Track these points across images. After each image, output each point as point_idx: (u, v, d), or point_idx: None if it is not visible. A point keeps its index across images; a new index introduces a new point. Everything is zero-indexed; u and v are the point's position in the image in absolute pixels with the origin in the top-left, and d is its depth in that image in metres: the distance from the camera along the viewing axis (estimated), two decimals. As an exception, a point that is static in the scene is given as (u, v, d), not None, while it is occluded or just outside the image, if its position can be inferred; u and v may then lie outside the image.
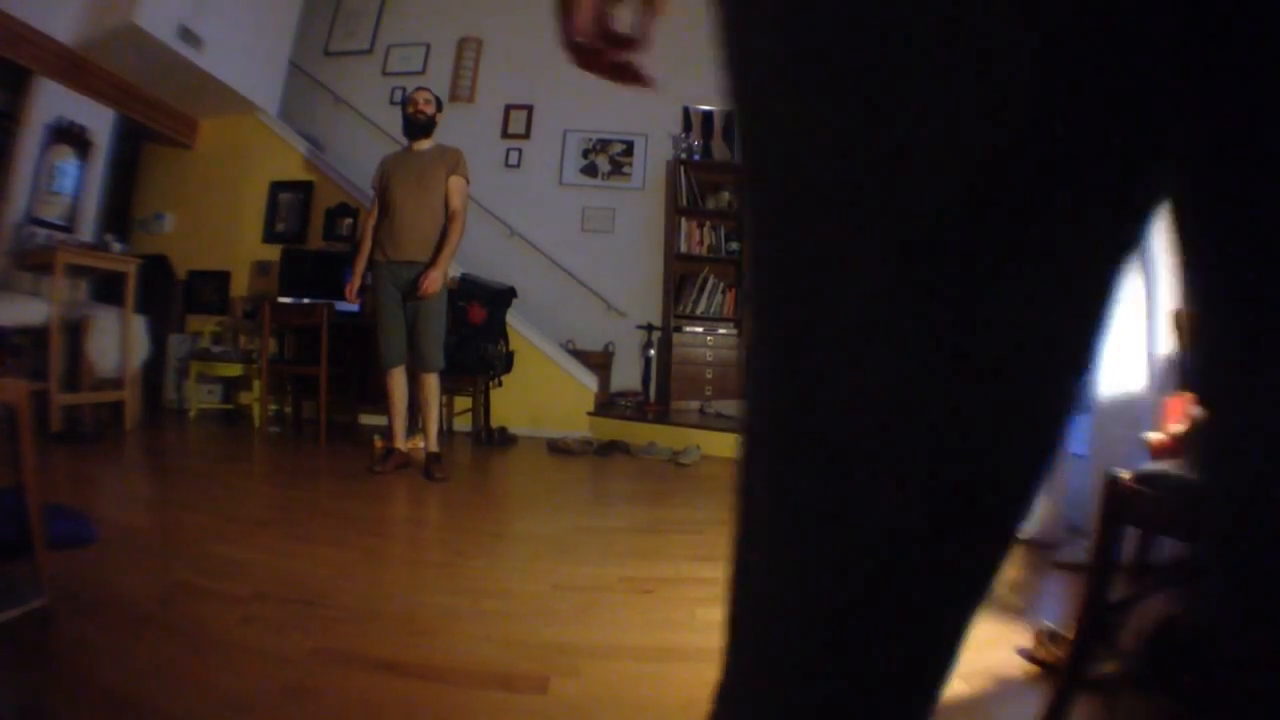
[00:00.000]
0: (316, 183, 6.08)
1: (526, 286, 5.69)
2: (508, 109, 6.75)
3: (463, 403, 5.47)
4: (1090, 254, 0.35)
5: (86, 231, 4.81)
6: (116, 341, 4.35)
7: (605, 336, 6.49)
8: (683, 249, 6.45)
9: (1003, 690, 1.53)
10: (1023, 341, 0.35)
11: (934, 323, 0.34)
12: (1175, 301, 2.31)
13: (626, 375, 6.47)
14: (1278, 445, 0.33)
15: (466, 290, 5.01)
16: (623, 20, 0.66)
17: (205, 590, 1.85)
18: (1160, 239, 2.05)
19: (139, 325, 4.59)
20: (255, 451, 4.41)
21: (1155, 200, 0.36)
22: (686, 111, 6.74)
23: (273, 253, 5.73)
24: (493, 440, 5.00)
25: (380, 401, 5.41)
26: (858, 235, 0.34)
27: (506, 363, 5.24)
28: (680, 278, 6.50)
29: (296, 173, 6.09)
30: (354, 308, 5.47)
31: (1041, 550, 2.68)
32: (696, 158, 6.60)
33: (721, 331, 6.30)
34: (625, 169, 6.76)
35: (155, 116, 5.51)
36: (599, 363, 6.19)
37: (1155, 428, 1.58)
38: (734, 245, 6.49)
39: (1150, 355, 2.43)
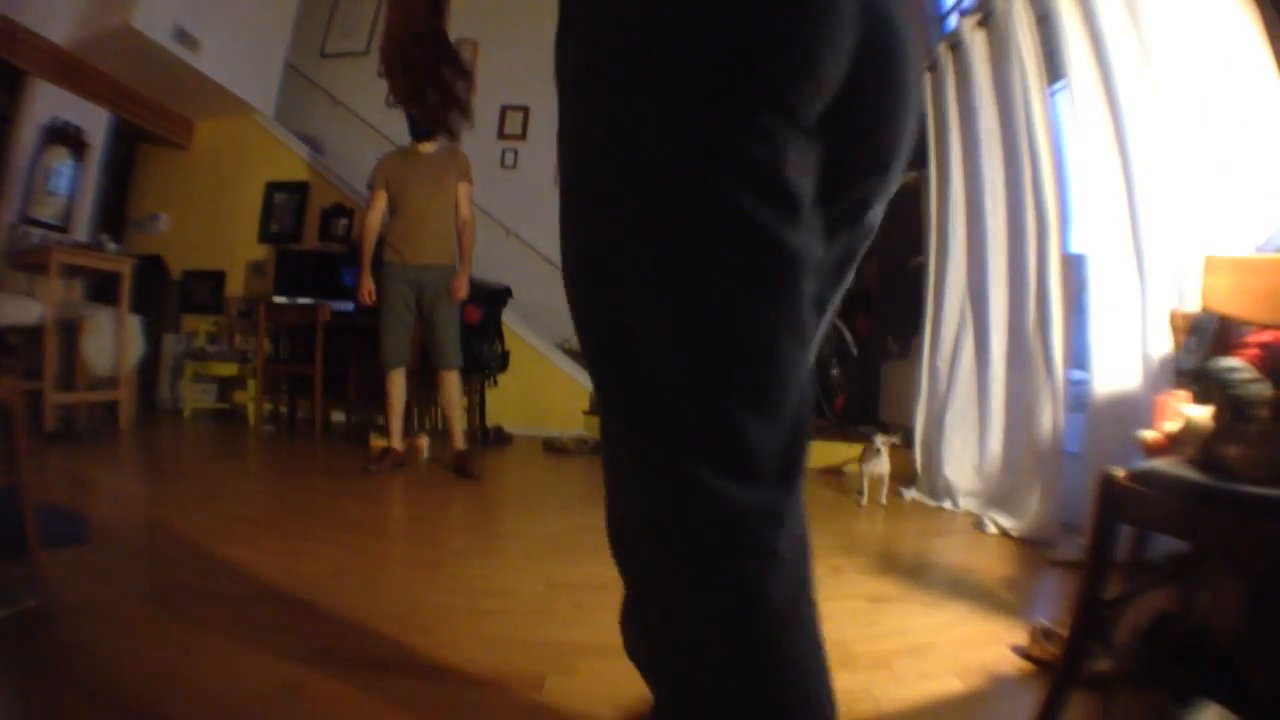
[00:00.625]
0: (312, 183, 6.08)
1: (522, 286, 5.69)
2: (504, 110, 6.75)
3: (442, 394, 5.47)
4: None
5: (81, 232, 4.80)
6: (111, 341, 4.34)
7: (601, 337, 6.49)
8: (679, 249, 6.44)
9: (998, 688, 1.54)
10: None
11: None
12: (1170, 301, 2.31)
13: (623, 375, 6.46)
14: None
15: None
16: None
17: (200, 590, 1.85)
18: (1160, 239, 2.05)
19: (134, 325, 4.58)
20: (250, 451, 4.40)
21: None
22: (682, 112, 6.74)
23: (268, 253, 5.72)
24: (488, 439, 5.01)
25: (377, 401, 5.43)
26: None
27: (502, 362, 5.24)
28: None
29: (292, 173, 6.08)
30: (349, 307, 5.47)
31: (1036, 548, 2.69)
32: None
33: (718, 332, 6.30)
34: (621, 169, 6.75)
35: (150, 117, 5.50)
36: (595, 363, 6.18)
37: (1149, 426, 1.58)
38: (730, 246, 6.49)
39: (1144, 354, 2.44)
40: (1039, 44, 3.06)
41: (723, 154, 0.63)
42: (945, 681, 1.55)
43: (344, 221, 6.00)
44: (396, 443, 3.80)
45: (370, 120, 6.64)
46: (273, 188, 6.07)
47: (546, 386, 5.64)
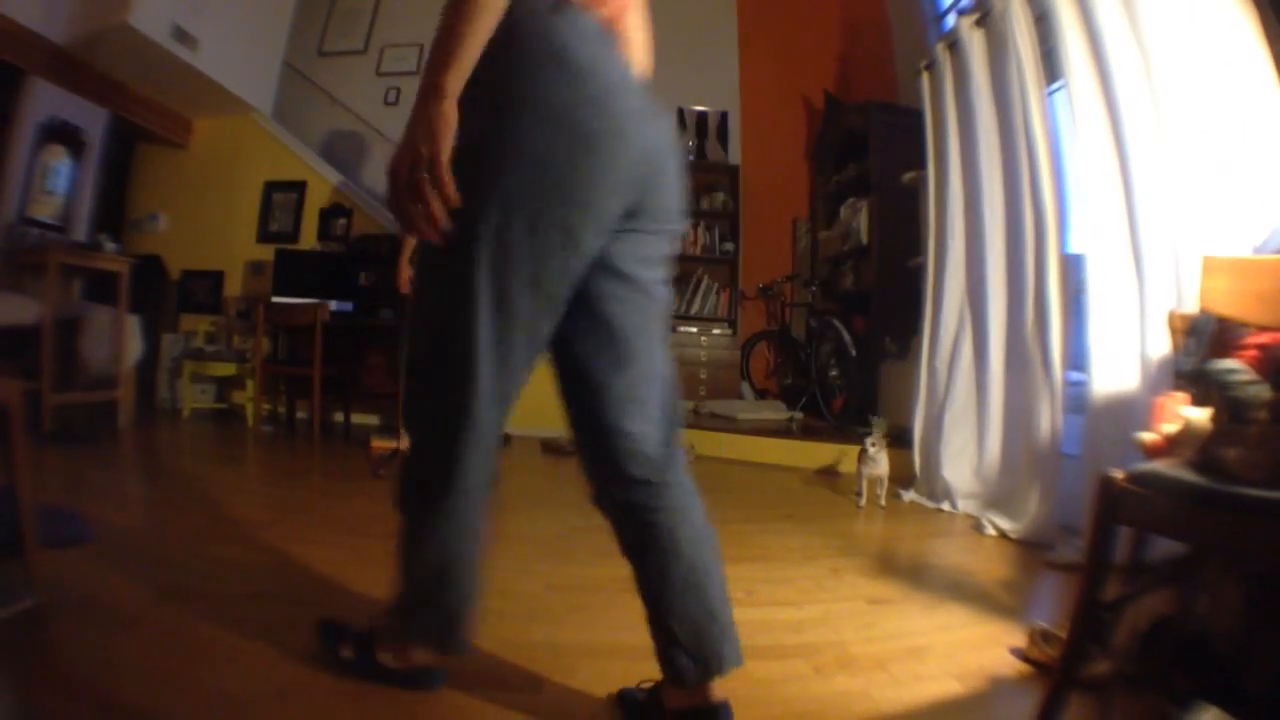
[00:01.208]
0: (310, 183, 6.07)
1: (521, 287, 5.68)
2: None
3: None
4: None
5: (80, 231, 4.79)
6: (110, 341, 4.33)
7: (600, 337, 6.48)
8: (677, 249, 6.44)
9: (996, 690, 1.54)
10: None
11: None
12: (1168, 302, 2.32)
13: (621, 376, 6.46)
14: None
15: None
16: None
17: (198, 590, 1.85)
18: (1159, 240, 2.06)
19: (132, 325, 4.57)
20: (248, 451, 4.40)
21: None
22: (680, 112, 6.75)
23: (266, 253, 5.71)
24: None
25: (375, 402, 5.43)
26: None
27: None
28: (674, 277, 6.49)
29: (290, 172, 6.07)
30: (348, 307, 5.47)
31: (1035, 550, 2.69)
32: (690, 158, 6.60)
33: (716, 332, 6.31)
34: (620, 169, 6.75)
35: (149, 116, 5.49)
36: (594, 363, 6.18)
37: (1148, 428, 1.58)
38: (728, 245, 6.50)
39: (1143, 355, 2.44)
40: (1037, 44, 3.06)
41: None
42: (944, 684, 1.55)
43: (342, 221, 5.99)
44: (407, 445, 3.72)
45: (369, 119, 6.64)
46: (271, 187, 6.07)
47: (545, 387, 5.62)
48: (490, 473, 1.30)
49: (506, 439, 5.12)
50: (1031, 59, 3.06)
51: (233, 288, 5.97)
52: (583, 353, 1.29)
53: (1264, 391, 1.38)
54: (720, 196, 6.55)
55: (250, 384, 5.21)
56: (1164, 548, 1.57)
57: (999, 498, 3.12)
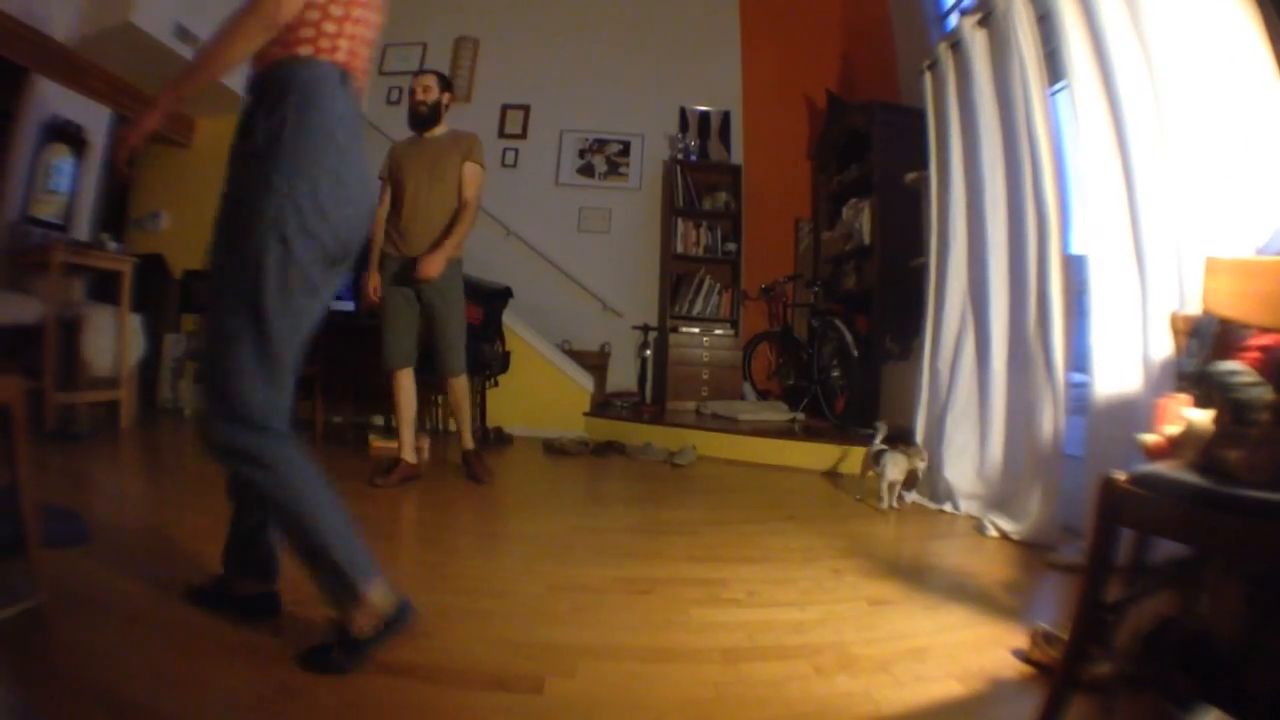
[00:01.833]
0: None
1: (522, 286, 5.68)
2: (504, 109, 6.74)
3: (450, 400, 5.46)
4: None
5: (82, 230, 4.79)
6: (112, 340, 4.33)
7: (601, 337, 6.49)
8: (679, 249, 6.45)
9: (998, 691, 1.54)
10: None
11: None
12: (1170, 304, 2.31)
13: (623, 376, 6.47)
14: None
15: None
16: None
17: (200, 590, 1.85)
18: (1161, 241, 2.05)
19: (135, 324, 4.57)
20: (251, 451, 4.39)
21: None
22: (683, 112, 6.75)
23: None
24: (489, 440, 5.00)
25: (378, 402, 5.42)
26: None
27: (502, 363, 5.24)
28: (676, 278, 6.51)
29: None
30: (350, 308, 5.46)
31: (1037, 551, 2.69)
32: (693, 158, 6.60)
33: (718, 332, 6.31)
34: (622, 169, 6.76)
35: (151, 115, 5.48)
36: (595, 363, 6.19)
37: (1150, 429, 1.58)
38: (730, 246, 6.50)
39: (1145, 356, 2.44)
40: (1039, 44, 3.06)
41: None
42: (945, 685, 1.55)
43: (344, 221, 5.99)
44: (408, 454, 3.48)
45: (371, 118, 6.63)
46: (273, 187, 6.06)
47: (547, 387, 5.64)
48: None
49: (509, 439, 5.12)
50: (1034, 59, 3.06)
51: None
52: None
53: (1266, 393, 1.38)
54: (722, 196, 6.55)
55: (252, 383, 5.20)
56: (1166, 549, 1.56)
57: (1001, 499, 3.12)
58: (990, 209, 3.34)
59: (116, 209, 5.65)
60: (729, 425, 5.10)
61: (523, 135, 6.75)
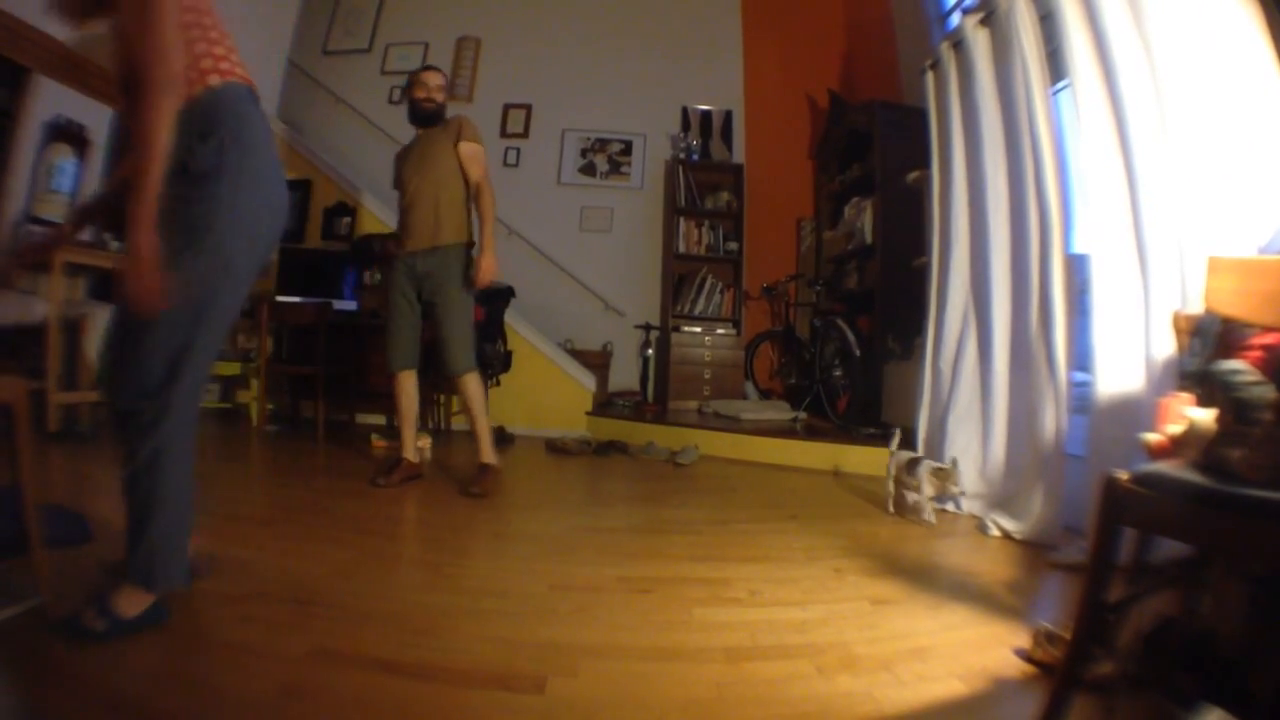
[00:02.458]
0: (315, 182, 6.08)
1: (524, 286, 5.69)
2: (506, 108, 6.75)
3: (460, 402, 5.46)
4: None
5: (85, 230, 4.79)
6: (114, 340, 4.33)
7: (603, 336, 6.50)
8: (681, 249, 6.45)
9: (1000, 691, 1.54)
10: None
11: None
12: (1173, 303, 2.31)
13: (625, 375, 6.47)
14: None
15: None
16: None
17: (202, 589, 1.85)
18: (1163, 240, 2.05)
19: (137, 324, 4.57)
20: (253, 451, 4.41)
21: None
22: (685, 111, 6.75)
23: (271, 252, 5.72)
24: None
25: (379, 401, 5.43)
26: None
27: (504, 362, 5.24)
28: (678, 277, 6.51)
29: (294, 171, 6.09)
30: (352, 306, 5.47)
31: (1039, 550, 2.69)
32: (695, 157, 6.60)
33: (720, 331, 6.30)
34: (624, 168, 6.76)
35: (153, 115, 5.48)
36: (597, 362, 6.19)
37: (1152, 428, 1.58)
38: (732, 245, 6.49)
39: (1147, 356, 2.44)
40: (1041, 43, 3.05)
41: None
42: (947, 684, 1.54)
43: (346, 220, 6.00)
44: (410, 453, 3.47)
45: (372, 118, 6.65)
46: (275, 186, 6.07)
47: (549, 387, 5.64)
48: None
49: (511, 439, 5.13)
50: (1036, 58, 3.06)
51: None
52: None
53: (1268, 392, 1.38)
54: (724, 196, 6.54)
55: (255, 383, 5.21)
56: (1168, 549, 1.56)
57: (1003, 498, 3.11)
58: (992, 208, 3.34)
59: (118, 209, 5.65)
60: (731, 425, 5.10)
61: (524, 135, 6.76)
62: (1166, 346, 2.30)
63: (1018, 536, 2.84)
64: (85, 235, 4.67)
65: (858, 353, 4.96)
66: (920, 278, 4.13)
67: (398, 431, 3.55)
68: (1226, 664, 1.29)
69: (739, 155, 6.76)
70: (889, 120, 5.19)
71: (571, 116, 6.76)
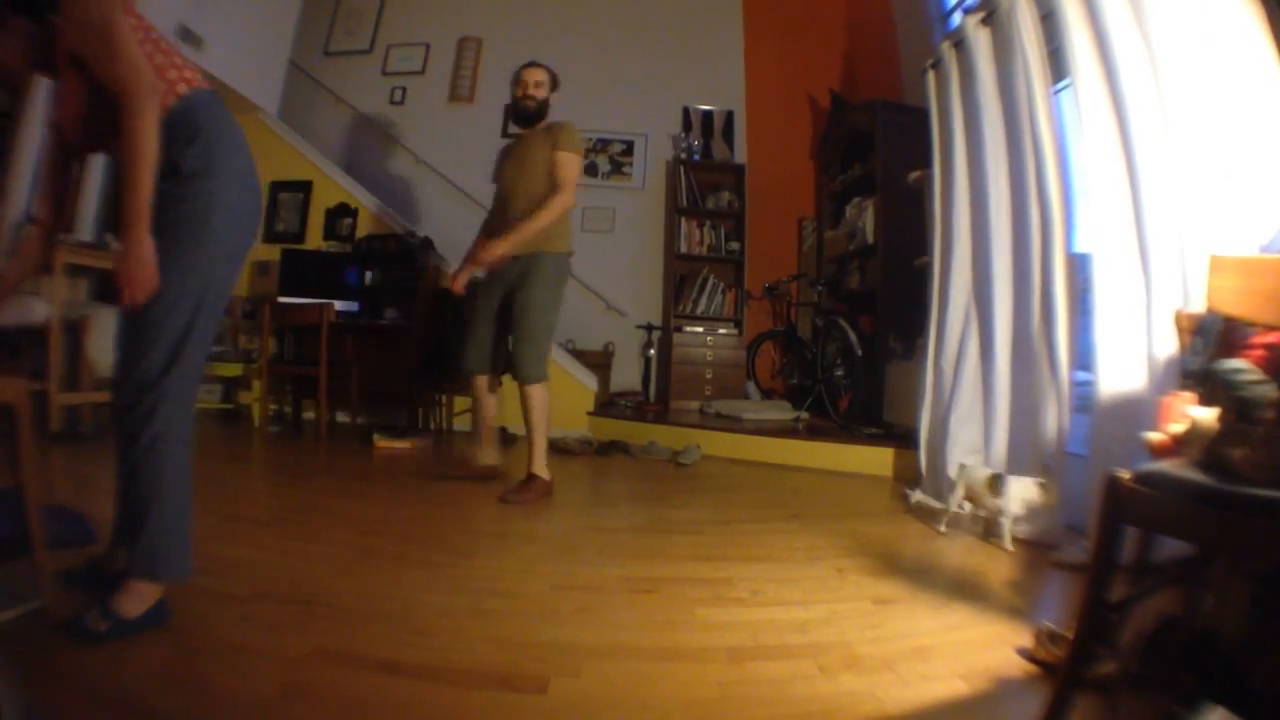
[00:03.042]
0: (316, 182, 6.08)
1: (526, 286, 5.68)
2: (507, 109, 6.73)
3: (462, 402, 5.47)
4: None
5: (86, 231, 4.80)
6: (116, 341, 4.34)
7: (605, 336, 6.49)
8: (682, 249, 6.45)
9: (1002, 690, 1.53)
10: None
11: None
12: (1175, 302, 2.30)
13: (626, 375, 6.47)
14: None
15: (468, 289, 5.00)
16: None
17: (204, 590, 1.85)
18: (1165, 239, 2.05)
19: (139, 325, 4.58)
20: (255, 451, 4.41)
21: None
22: (686, 111, 6.75)
23: (272, 252, 5.72)
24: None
25: (381, 401, 5.43)
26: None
27: (506, 362, 5.23)
28: (680, 277, 6.51)
29: (296, 172, 6.09)
30: (354, 307, 5.48)
31: (1041, 550, 2.68)
32: (696, 157, 6.60)
33: (721, 331, 6.30)
34: (625, 168, 6.76)
35: (155, 116, 5.49)
36: (599, 362, 6.19)
37: (1154, 427, 1.57)
38: (734, 245, 6.49)
39: (1149, 355, 2.43)
40: (1043, 42, 3.05)
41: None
42: (949, 684, 1.54)
43: (348, 221, 6.01)
44: (540, 468, 3.30)
45: (375, 118, 6.65)
46: (277, 187, 6.08)
47: (551, 386, 5.62)
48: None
49: (512, 439, 5.12)
50: (1037, 57, 3.05)
51: (238, 288, 5.98)
52: None
53: (1271, 391, 1.37)
54: (726, 196, 6.54)
55: (256, 384, 5.22)
56: (1170, 548, 1.56)
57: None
58: (994, 208, 3.34)
59: (119, 209, 5.66)
60: (733, 424, 5.10)
61: (526, 135, 6.75)
62: (1168, 345, 2.30)
63: (1020, 536, 2.83)
64: (85, 236, 4.69)
65: (859, 352, 4.96)
66: (922, 277, 4.12)
67: (474, 436, 3.55)
68: (1229, 663, 1.29)
69: (740, 155, 6.75)
70: (890, 120, 5.18)
71: (573, 117, 6.69)
